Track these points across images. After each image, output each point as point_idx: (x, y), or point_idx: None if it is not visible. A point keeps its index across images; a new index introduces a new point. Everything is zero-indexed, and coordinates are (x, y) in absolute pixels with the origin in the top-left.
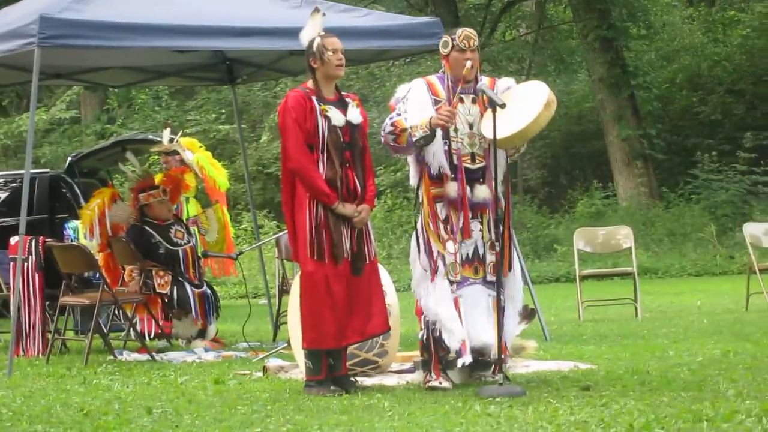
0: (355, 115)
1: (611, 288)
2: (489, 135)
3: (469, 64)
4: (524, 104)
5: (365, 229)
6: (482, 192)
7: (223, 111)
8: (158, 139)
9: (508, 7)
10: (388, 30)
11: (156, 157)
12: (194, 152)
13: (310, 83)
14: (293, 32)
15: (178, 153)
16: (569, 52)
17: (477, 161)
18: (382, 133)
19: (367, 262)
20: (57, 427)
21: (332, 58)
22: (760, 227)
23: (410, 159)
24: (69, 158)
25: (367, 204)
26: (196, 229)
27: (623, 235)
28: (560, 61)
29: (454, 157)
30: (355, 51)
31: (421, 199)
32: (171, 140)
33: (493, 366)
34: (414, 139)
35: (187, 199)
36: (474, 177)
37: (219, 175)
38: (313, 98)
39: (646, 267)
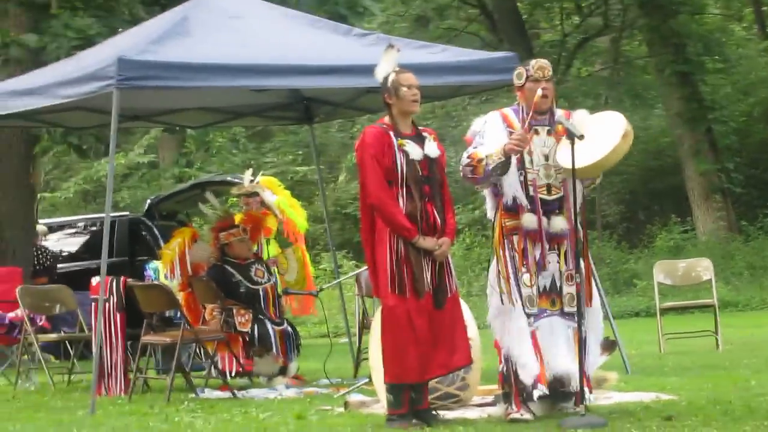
0: (432, 148)
1: (691, 321)
2: (565, 165)
3: (540, 92)
4: (601, 135)
5: (446, 263)
6: (559, 223)
7: (300, 152)
8: (237, 180)
9: (582, 43)
10: (465, 66)
11: (235, 199)
12: (274, 192)
13: (386, 119)
14: (370, 69)
15: (258, 194)
16: (645, 87)
17: (553, 192)
18: (460, 167)
19: (449, 295)
20: None
21: (407, 93)
22: None
23: (487, 192)
24: (148, 201)
25: (447, 237)
26: (276, 270)
27: (703, 267)
28: (636, 96)
29: (530, 189)
30: (432, 87)
31: (496, 231)
32: (251, 181)
33: (575, 397)
34: (490, 168)
35: (268, 240)
36: (550, 208)
37: (299, 216)
38: (390, 133)
39: (726, 300)
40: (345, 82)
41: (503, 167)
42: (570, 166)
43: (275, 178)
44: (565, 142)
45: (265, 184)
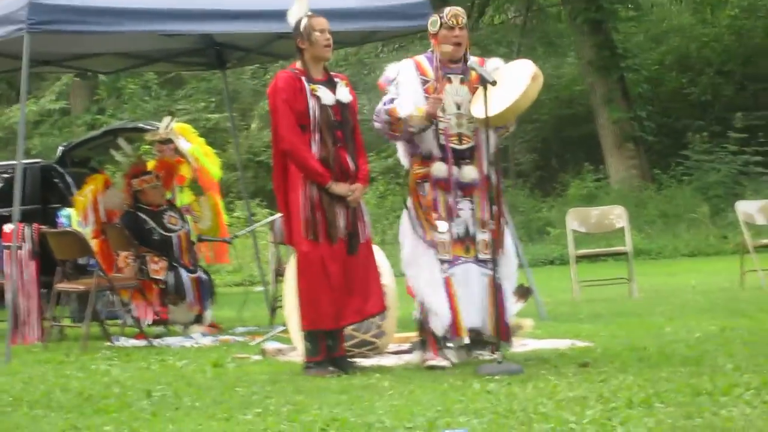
0: (344, 94)
1: (605, 269)
2: (478, 115)
3: (447, 47)
4: (511, 81)
5: (359, 208)
6: (471, 172)
7: (213, 100)
8: (149, 127)
9: None
10: (376, 11)
11: (148, 146)
12: (189, 140)
13: (298, 64)
14: (281, 15)
15: (172, 141)
16: (558, 35)
17: (464, 142)
18: (377, 120)
19: (362, 241)
20: (57, 411)
21: (320, 38)
22: (753, 205)
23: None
24: (60, 148)
25: (360, 183)
26: (189, 218)
27: (616, 215)
28: (549, 44)
29: (441, 138)
30: (344, 33)
31: (407, 178)
32: (167, 128)
33: (491, 344)
34: (411, 130)
35: (181, 188)
36: (461, 157)
37: (213, 164)
38: (303, 78)
39: (640, 249)
40: (256, 26)
41: (425, 129)
42: (483, 117)
43: (189, 125)
44: (478, 95)
45: (180, 132)
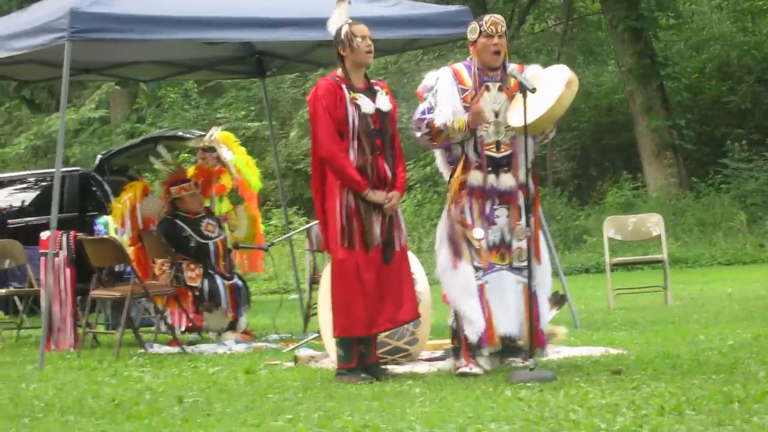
0: (384, 102)
1: (641, 277)
2: (515, 123)
3: (487, 56)
4: (546, 88)
5: (395, 217)
6: (507, 180)
7: (253, 108)
8: (189, 136)
9: None
10: (417, 19)
11: (187, 154)
12: (231, 149)
13: (339, 71)
14: (322, 23)
15: (215, 150)
16: (598, 43)
17: (502, 150)
18: (416, 132)
19: (398, 249)
20: (89, 417)
21: (361, 44)
22: None
23: (438, 149)
24: (99, 156)
25: (397, 191)
26: (226, 226)
27: (653, 223)
28: (589, 53)
29: (479, 146)
30: (384, 41)
31: (449, 187)
32: (211, 136)
33: (524, 352)
34: (453, 142)
35: (220, 197)
36: (499, 164)
37: (253, 176)
38: (343, 86)
39: (677, 257)
40: (297, 35)
41: (466, 140)
42: (519, 125)
43: (232, 134)
44: (515, 103)
45: (223, 140)
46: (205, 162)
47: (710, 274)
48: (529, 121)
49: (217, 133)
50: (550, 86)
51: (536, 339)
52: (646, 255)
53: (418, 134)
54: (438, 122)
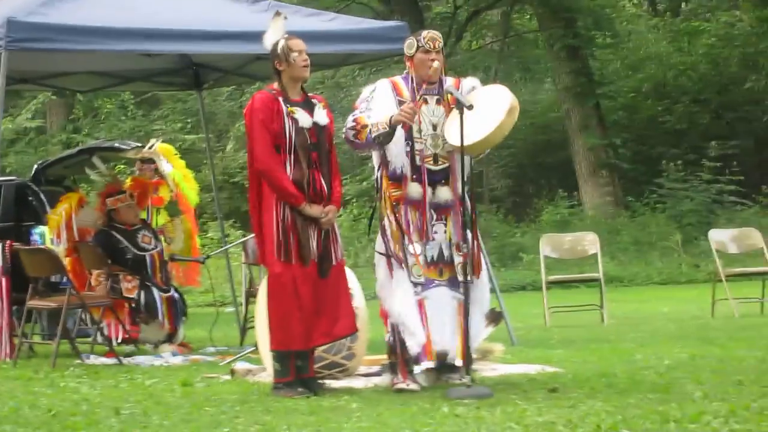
0: (321, 116)
1: (577, 295)
2: (452, 140)
3: (436, 64)
4: (486, 111)
5: (332, 231)
6: (445, 193)
7: (189, 120)
8: (125, 147)
9: (473, 16)
10: (355, 34)
11: (123, 166)
12: (170, 160)
13: (276, 85)
14: (259, 36)
15: (154, 161)
16: (535, 60)
17: (440, 163)
18: (344, 129)
19: (334, 263)
20: (25, 428)
21: (298, 59)
22: (725, 233)
23: (374, 156)
24: (35, 166)
25: (333, 205)
26: (162, 238)
27: (589, 242)
28: (526, 70)
29: (417, 159)
30: (321, 55)
31: (382, 200)
32: (150, 147)
33: (461, 369)
34: (372, 135)
35: (158, 209)
36: (436, 178)
37: (191, 189)
38: (280, 99)
39: (612, 275)
40: (234, 48)
41: (386, 137)
42: (458, 143)
43: (172, 147)
44: (452, 119)
45: (162, 152)
46: (143, 173)
47: (646, 293)
48: (466, 143)
49: (157, 145)
50: (491, 110)
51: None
52: (582, 273)
53: (344, 132)
54: (367, 121)
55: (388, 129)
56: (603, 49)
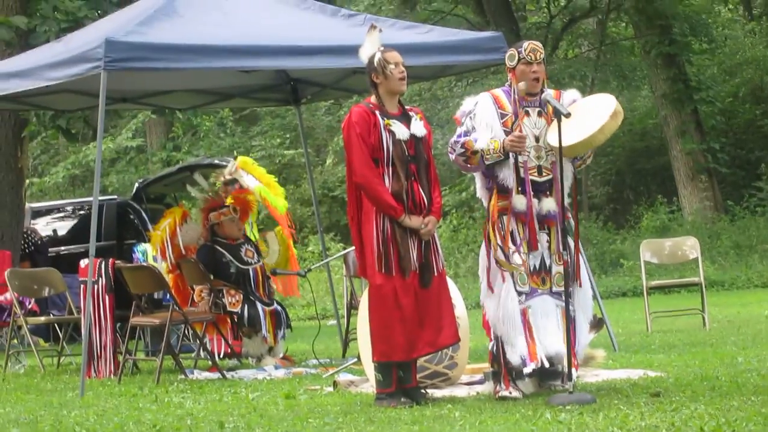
0: (419, 128)
1: (678, 300)
2: (555, 144)
3: (522, 85)
4: (591, 114)
5: (432, 241)
6: (549, 204)
7: (288, 136)
8: (224, 163)
9: (569, 24)
10: (451, 45)
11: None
12: (251, 172)
13: (373, 98)
14: (356, 50)
15: (236, 181)
16: (631, 68)
17: (544, 174)
18: (451, 153)
19: (435, 274)
20: None
21: (394, 71)
22: None
23: (476, 173)
24: (136, 184)
25: (433, 216)
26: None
27: (689, 246)
28: (623, 78)
29: (521, 170)
30: (418, 68)
31: (488, 213)
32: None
33: (563, 375)
34: (487, 163)
35: (249, 224)
36: (541, 189)
37: (278, 198)
38: (377, 113)
39: (713, 280)
40: (332, 62)
41: (500, 161)
42: (556, 146)
43: (249, 158)
44: (554, 123)
45: (242, 167)
46: (227, 194)
47: (747, 297)
48: (569, 143)
49: (236, 164)
50: (595, 113)
51: (572, 363)
52: (682, 278)
53: (453, 156)
54: (477, 145)
55: (502, 156)
56: (699, 54)
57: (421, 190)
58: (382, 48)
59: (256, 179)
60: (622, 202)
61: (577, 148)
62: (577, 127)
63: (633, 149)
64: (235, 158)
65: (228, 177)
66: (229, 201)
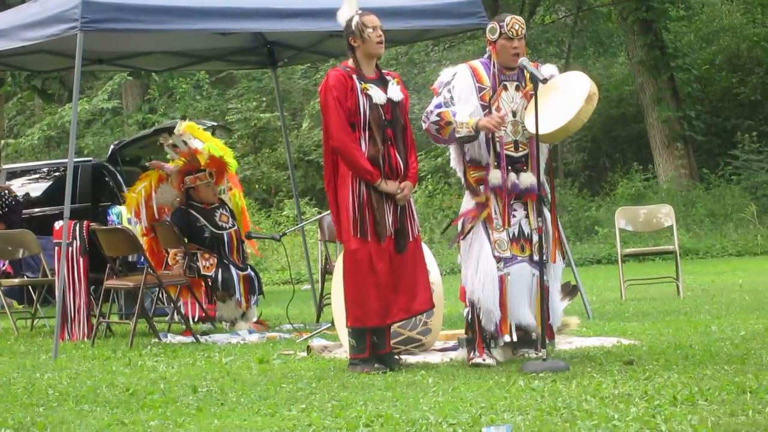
0: (396, 92)
1: (653, 268)
2: (531, 128)
3: (512, 51)
4: (565, 98)
5: (408, 207)
6: (528, 178)
7: (264, 99)
8: (201, 126)
9: None
10: (428, 10)
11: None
12: (197, 137)
13: (350, 62)
14: (333, 13)
15: (185, 144)
16: (608, 34)
17: (520, 149)
18: (425, 120)
19: (411, 239)
20: (103, 406)
21: (372, 35)
22: None
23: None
24: (111, 146)
25: (409, 181)
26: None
27: (664, 214)
28: (599, 44)
29: (497, 145)
30: (395, 32)
31: (464, 182)
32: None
33: (537, 343)
34: (457, 136)
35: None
36: (517, 164)
37: (229, 156)
38: (354, 77)
39: (687, 248)
40: (308, 25)
41: (470, 139)
42: (534, 131)
43: (193, 123)
44: (532, 108)
45: (189, 131)
46: (176, 159)
47: (721, 265)
48: (546, 131)
49: (183, 127)
50: (569, 97)
51: (548, 331)
52: (657, 246)
53: (426, 124)
54: (452, 118)
55: (473, 133)
56: (676, 21)
57: (397, 154)
58: (359, 11)
59: (201, 142)
60: (597, 169)
61: (554, 135)
62: (553, 113)
63: (609, 116)
64: (183, 119)
65: (175, 139)
66: (204, 163)
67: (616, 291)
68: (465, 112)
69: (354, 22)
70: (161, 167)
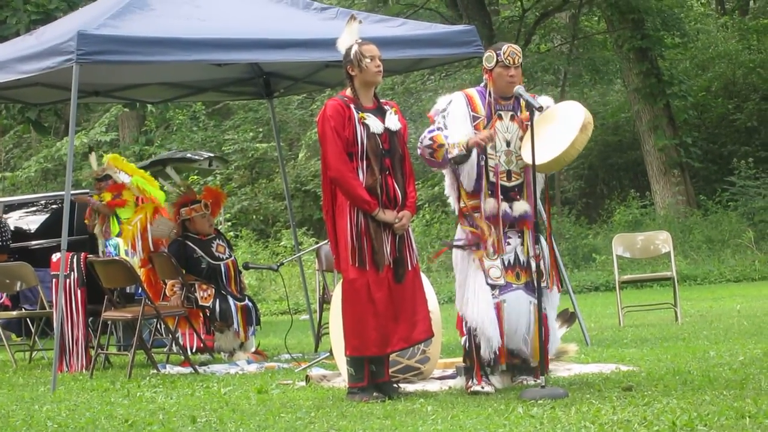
0: (393, 122)
1: (651, 295)
2: (528, 160)
3: (509, 80)
4: (560, 129)
5: (406, 236)
6: (522, 206)
7: (261, 130)
8: (197, 157)
9: (542, 18)
10: (424, 39)
11: (195, 176)
12: (123, 169)
13: (348, 91)
14: (329, 44)
15: (110, 178)
16: (604, 62)
17: (513, 179)
18: (419, 145)
19: (409, 268)
20: None
21: (370, 65)
22: None
23: (446, 171)
24: None
25: (407, 210)
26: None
27: (662, 240)
28: (595, 72)
29: (491, 174)
30: (391, 61)
31: (458, 211)
32: (99, 165)
33: (536, 370)
34: (449, 157)
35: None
36: (510, 194)
37: (156, 189)
38: (352, 106)
39: (685, 274)
40: (304, 56)
41: (463, 159)
42: (531, 162)
43: (118, 155)
44: (528, 138)
45: (115, 164)
46: (101, 190)
47: (719, 291)
48: (542, 161)
49: (108, 161)
50: (564, 127)
51: (545, 359)
52: (654, 272)
53: (420, 149)
54: (444, 141)
55: (465, 152)
56: (672, 49)
57: (395, 184)
58: (359, 40)
59: (128, 175)
60: (594, 197)
61: (549, 165)
62: (548, 143)
63: (606, 143)
64: (92, 154)
65: (100, 173)
66: (201, 195)
67: (614, 317)
68: (457, 134)
69: (353, 52)
70: (87, 201)
